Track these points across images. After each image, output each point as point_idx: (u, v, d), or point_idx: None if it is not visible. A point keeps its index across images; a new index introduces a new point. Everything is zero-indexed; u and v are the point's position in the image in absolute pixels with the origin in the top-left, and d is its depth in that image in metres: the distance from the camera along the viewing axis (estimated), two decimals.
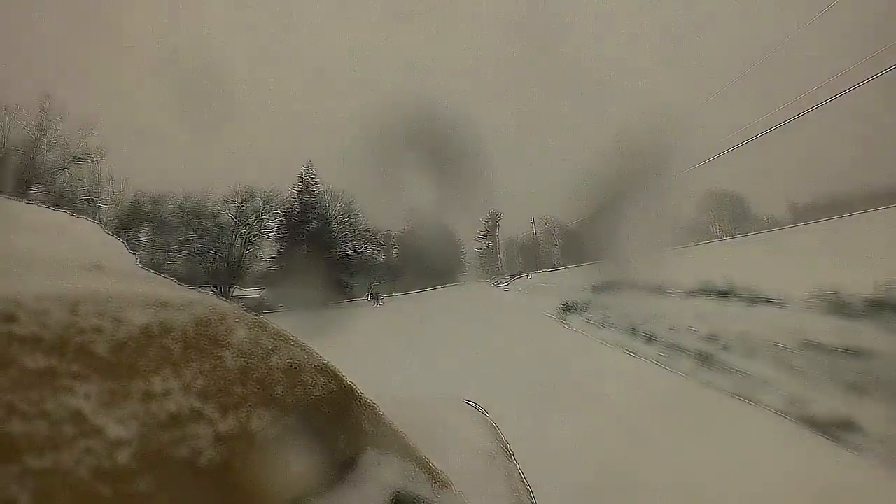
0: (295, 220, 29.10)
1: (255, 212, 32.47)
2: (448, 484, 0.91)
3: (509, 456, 1.52)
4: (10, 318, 0.29)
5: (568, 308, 11.72)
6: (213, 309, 0.50)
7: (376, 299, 29.47)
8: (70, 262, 0.46)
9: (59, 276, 0.40)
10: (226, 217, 31.54)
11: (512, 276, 40.90)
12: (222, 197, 31.68)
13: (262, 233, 32.37)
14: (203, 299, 0.51)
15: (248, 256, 31.80)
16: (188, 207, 29.77)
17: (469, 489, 1.01)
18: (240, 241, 31.46)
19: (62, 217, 0.59)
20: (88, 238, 0.61)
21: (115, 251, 0.63)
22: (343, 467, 0.60)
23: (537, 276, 35.32)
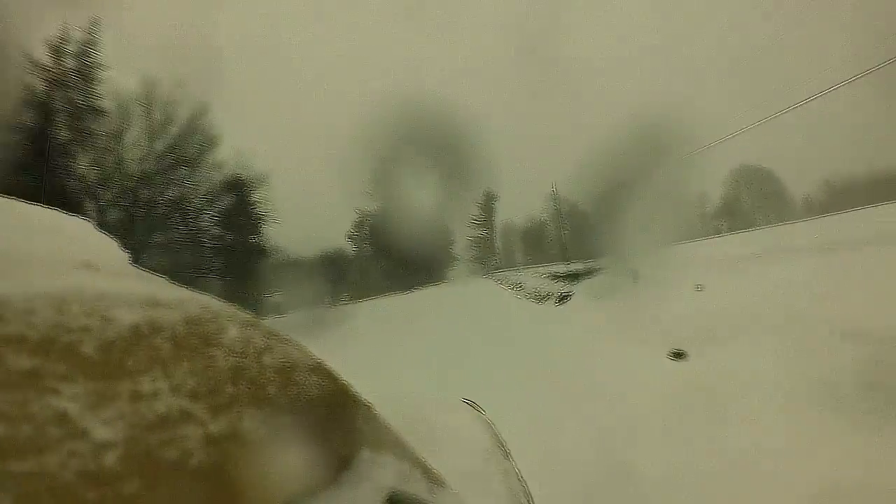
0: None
1: None
2: (444, 483, 0.90)
3: (506, 455, 1.52)
4: None
5: None
6: (206, 308, 0.49)
7: None
8: (60, 261, 0.46)
9: (49, 275, 0.39)
10: None
11: (569, 275, 15.85)
12: None
13: None
14: (195, 298, 0.51)
15: None
16: None
17: (466, 488, 1.01)
18: None
19: (52, 214, 0.58)
20: (79, 236, 0.60)
21: (106, 249, 0.62)
22: (337, 467, 0.59)
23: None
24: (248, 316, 0.56)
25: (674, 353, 5.76)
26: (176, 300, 0.46)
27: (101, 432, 0.30)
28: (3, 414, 0.26)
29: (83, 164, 13.45)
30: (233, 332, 0.49)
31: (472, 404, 1.93)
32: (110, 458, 0.29)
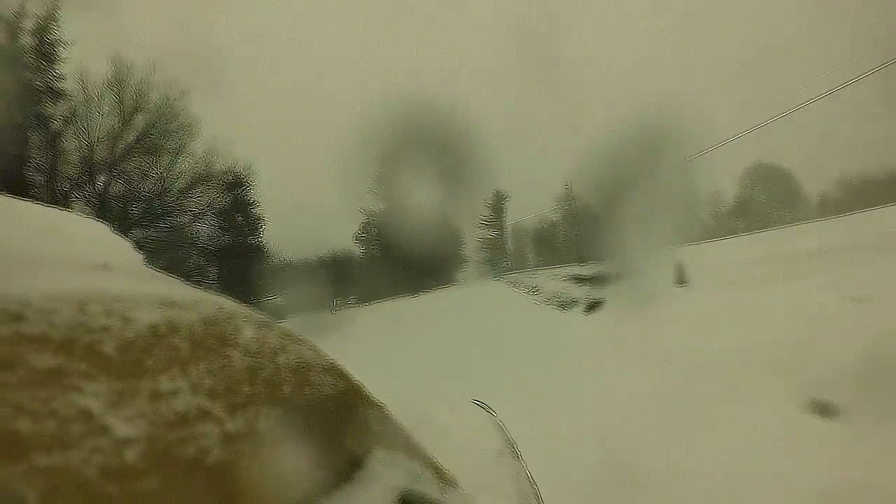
0: None
1: None
2: (455, 483, 0.90)
3: (516, 455, 1.51)
4: (18, 318, 0.29)
5: None
6: (221, 308, 0.50)
7: None
8: (78, 262, 0.47)
9: (68, 276, 0.40)
10: None
11: (592, 277, 12.33)
12: None
13: None
14: (211, 298, 0.52)
15: None
16: None
17: (476, 488, 1.01)
18: None
19: (69, 216, 0.59)
20: (95, 237, 0.61)
21: (122, 250, 0.63)
22: (350, 467, 0.59)
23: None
24: (263, 317, 0.57)
25: (819, 407, 3.40)
26: (192, 301, 0.47)
27: (122, 429, 0.30)
28: (28, 411, 0.26)
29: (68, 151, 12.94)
30: (248, 333, 0.50)
31: (482, 405, 1.92)
32: (131, 455, 0.30)
